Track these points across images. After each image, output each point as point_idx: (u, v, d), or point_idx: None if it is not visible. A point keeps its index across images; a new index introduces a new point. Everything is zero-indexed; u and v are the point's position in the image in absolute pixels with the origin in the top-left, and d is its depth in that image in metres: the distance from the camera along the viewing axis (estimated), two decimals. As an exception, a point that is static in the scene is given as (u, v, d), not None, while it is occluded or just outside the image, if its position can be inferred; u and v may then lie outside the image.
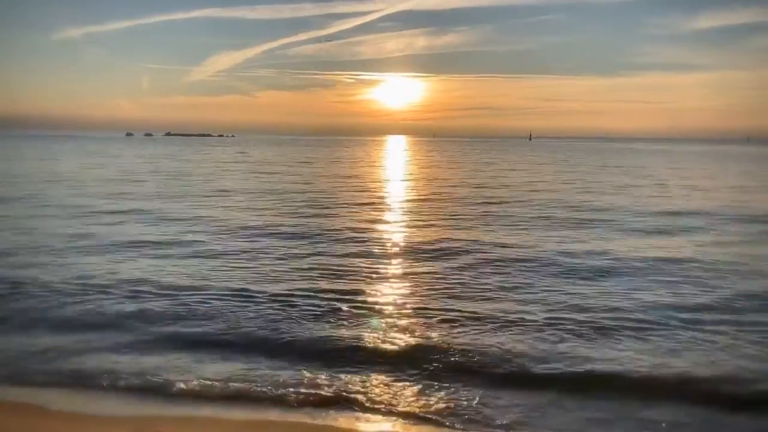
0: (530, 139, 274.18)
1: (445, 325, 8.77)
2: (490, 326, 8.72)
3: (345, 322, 8.94)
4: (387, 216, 20.64)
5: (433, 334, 8.42)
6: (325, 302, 9.82)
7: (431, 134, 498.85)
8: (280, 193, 27.33)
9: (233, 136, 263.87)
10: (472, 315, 9.17)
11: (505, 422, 6.12)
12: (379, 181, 36.68)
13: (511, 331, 8.54)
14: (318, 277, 11.56)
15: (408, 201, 25.53)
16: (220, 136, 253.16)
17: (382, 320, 8.86)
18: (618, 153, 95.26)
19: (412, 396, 6.67)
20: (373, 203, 24.26)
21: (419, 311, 9.44)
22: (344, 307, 9.61)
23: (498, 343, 8.08)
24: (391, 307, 9.71)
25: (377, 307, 9.64)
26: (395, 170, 49.31)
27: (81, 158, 57.09)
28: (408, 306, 9.77)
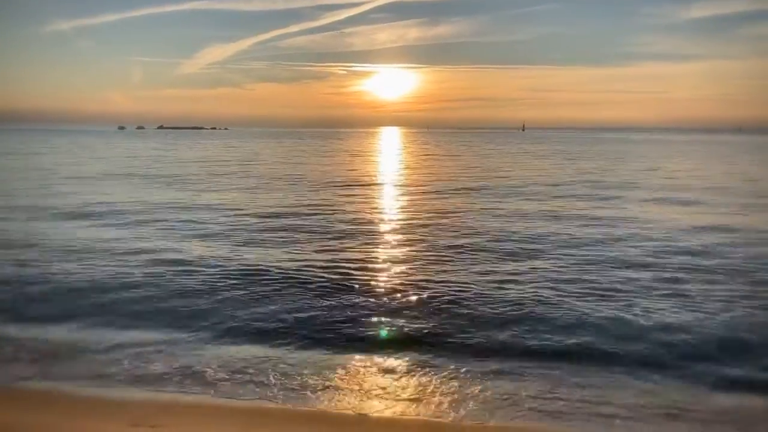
0: (523, 130, 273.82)
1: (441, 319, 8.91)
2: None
3: (346, 313, 9.05)
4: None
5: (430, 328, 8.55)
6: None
7: (425, 126, 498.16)
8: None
9: (226, 129, 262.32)
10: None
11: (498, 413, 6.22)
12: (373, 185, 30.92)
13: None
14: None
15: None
16: (212, 129, 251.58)
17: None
18: (618, 144, 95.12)
19: (410, 384, 6.76)
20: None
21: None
22: (349, 297, 9.76)
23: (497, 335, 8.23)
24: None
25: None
26: (389, 167, 48.82)
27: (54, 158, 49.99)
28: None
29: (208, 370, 7.06)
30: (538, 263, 12.08)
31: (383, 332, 8.35)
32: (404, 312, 9.08)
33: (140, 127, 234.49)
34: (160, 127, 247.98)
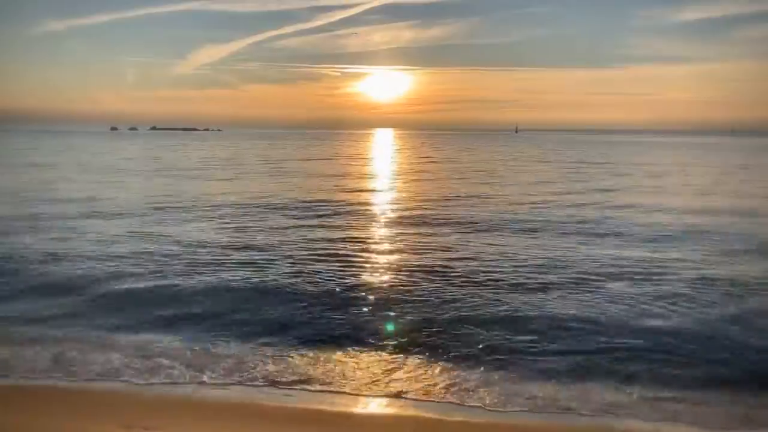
0: (516, 132, 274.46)
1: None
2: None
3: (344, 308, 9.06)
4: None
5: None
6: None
7: (418, 127, 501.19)
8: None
9: (219, 130, 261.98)
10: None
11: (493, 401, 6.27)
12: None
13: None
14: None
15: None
16: (205, 130, 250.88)
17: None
18: (616, 146, 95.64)
19: (405, 378, 6.80)
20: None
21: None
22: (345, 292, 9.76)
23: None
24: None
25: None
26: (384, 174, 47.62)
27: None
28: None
29: (203, 369, 7.02)
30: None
31: (389, 326, 8.39)
32: (404, 310, 9.07)
33: (132, 128, 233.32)
34: (153, 128, 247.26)
